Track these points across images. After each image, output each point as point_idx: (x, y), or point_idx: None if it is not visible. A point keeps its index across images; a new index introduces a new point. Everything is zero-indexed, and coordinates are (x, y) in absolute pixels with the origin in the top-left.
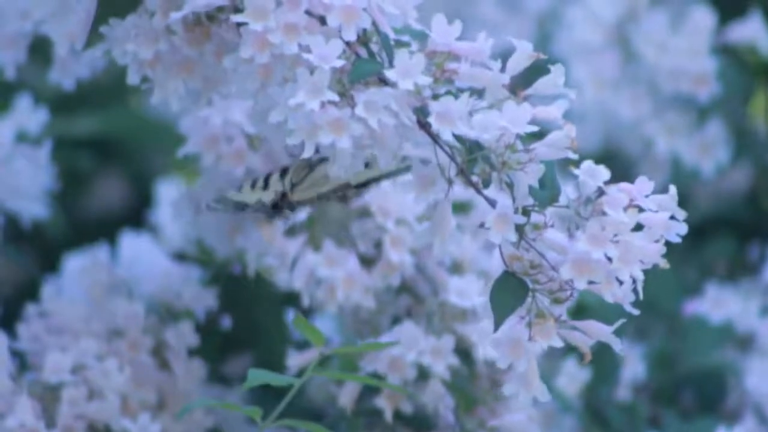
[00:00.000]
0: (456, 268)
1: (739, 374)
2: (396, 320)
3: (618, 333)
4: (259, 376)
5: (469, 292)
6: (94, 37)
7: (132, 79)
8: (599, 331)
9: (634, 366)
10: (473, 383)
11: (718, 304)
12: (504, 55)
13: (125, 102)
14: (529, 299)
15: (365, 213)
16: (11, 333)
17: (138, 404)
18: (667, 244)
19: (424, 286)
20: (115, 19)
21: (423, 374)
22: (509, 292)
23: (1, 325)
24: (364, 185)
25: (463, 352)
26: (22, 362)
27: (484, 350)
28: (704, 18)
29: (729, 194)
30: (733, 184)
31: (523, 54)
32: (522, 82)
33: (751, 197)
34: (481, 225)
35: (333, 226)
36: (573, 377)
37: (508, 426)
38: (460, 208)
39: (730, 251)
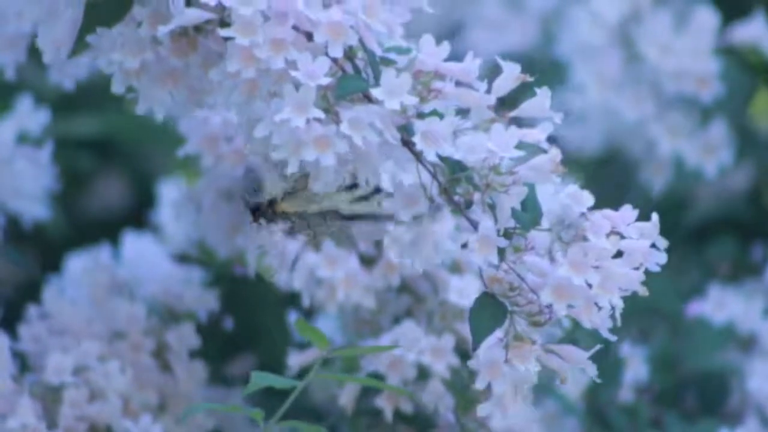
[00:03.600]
0: (456, 268)
1: (741, 376)
2: (396, 320)
3: (620, 334)
4: (261, 379)
5: (468, 292)
6: (80, 45)
7: (117, 88)
8: (576, 357)
9: (636, 367)
10: (473, 383)
11: (721, 305)
12: (507, 58)
13: (125, 102)
14: (507, 321)
15: None
16: (12, 334)
17: (139, 406)
18: (669, 245)
19: (424, 286)
20: (102, 29)
21: (423, 374)
22: (488, 313)
23: (3, 326)
24: (352, 218)
25: (464, 351)
26: (23, 363)
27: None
28: (708, 18)
29: (731, 194)
30: (735, 184)
31: (510, 76)
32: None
33: (754, 197)
34: (464, 246)
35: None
36: (575, 379)
37: (508, 425)
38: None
39: (733, 252)
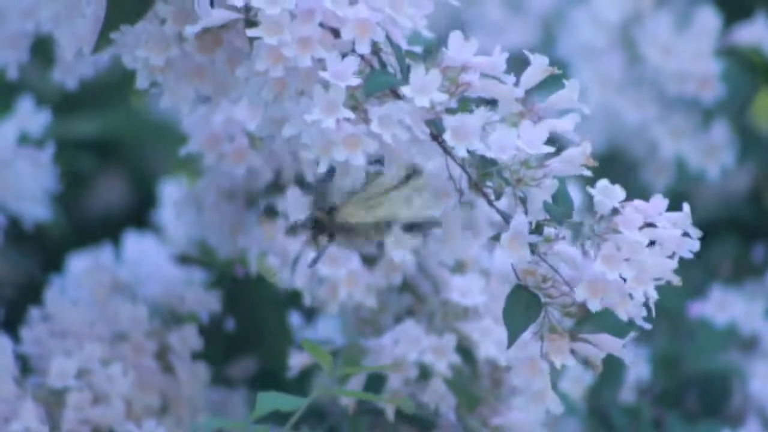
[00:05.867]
0: (458, 267)
1: (743, 377)
2: (398, 319)
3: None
4: (269, 401)
5: (471, 291)
6: (103, 41)
7: (141, 83)
8: (611, 344)
9: (638, 368)
10: (475, 382)
11: (723, 306)
12: (509, 58)
13: (126, 102)
14: (541, 314)
15: None
16: (14, 336)
17: (142, 409)
18: None
19: (425, 285)
20: (126, 25)
21: (425, 373)
22: (522, 306)
23: (4, 328)
24: (411, 227)
25: (465, 350)
26: (25, 366)
27: (486, 349)
28: (709, 20)
29: (733, 195)
30: (737, 185)
31: (538, 68)
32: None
33: (755, 198)
34: (495, 237)
35: None
36: (577, 380)
37: (511, 424)
38: (462, 206)
39: (735, 253)
